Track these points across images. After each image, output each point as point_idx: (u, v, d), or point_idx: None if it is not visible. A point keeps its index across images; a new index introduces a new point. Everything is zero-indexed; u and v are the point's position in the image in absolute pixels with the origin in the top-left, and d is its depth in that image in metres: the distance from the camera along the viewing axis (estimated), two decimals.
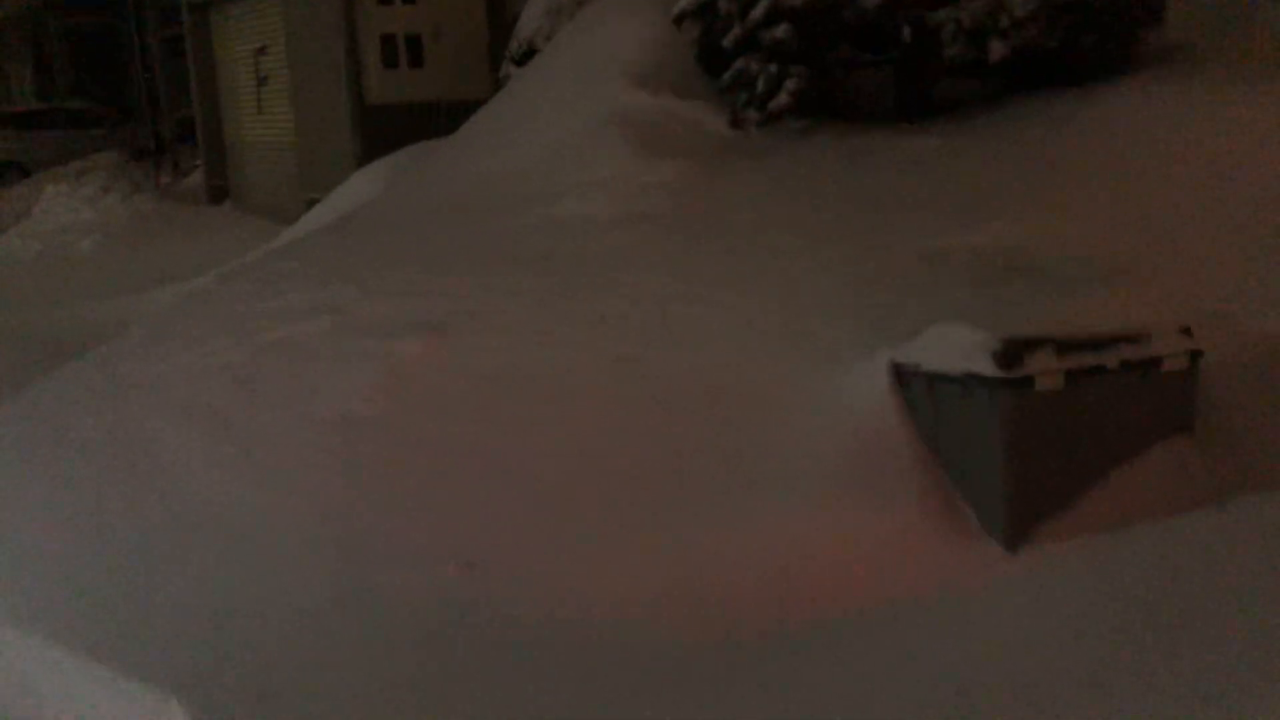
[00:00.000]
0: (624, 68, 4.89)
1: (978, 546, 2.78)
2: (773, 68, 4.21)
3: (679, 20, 4.72)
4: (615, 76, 4.89)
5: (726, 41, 4.40)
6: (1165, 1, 4.39)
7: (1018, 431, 2.73)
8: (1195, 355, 2.95)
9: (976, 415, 2.78)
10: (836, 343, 3.27)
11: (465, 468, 3.08)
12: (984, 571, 2.70)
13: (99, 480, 3.27)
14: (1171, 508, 2.81)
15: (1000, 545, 2.76)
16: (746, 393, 3.19)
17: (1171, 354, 2.92)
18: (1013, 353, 2.70)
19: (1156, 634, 2.27)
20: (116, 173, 13.78)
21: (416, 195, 5.06)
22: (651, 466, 3.05)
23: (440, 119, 8.06)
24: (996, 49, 4.02)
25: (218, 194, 13.32)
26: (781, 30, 4.12)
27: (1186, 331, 2.96)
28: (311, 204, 8.29)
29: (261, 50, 11.22)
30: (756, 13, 4.17)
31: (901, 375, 2.98)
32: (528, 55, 6.97)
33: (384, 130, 8.35)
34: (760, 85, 4.26)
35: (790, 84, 4.13)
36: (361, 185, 6.28)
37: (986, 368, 2.72)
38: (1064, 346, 2.77)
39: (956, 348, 2.84)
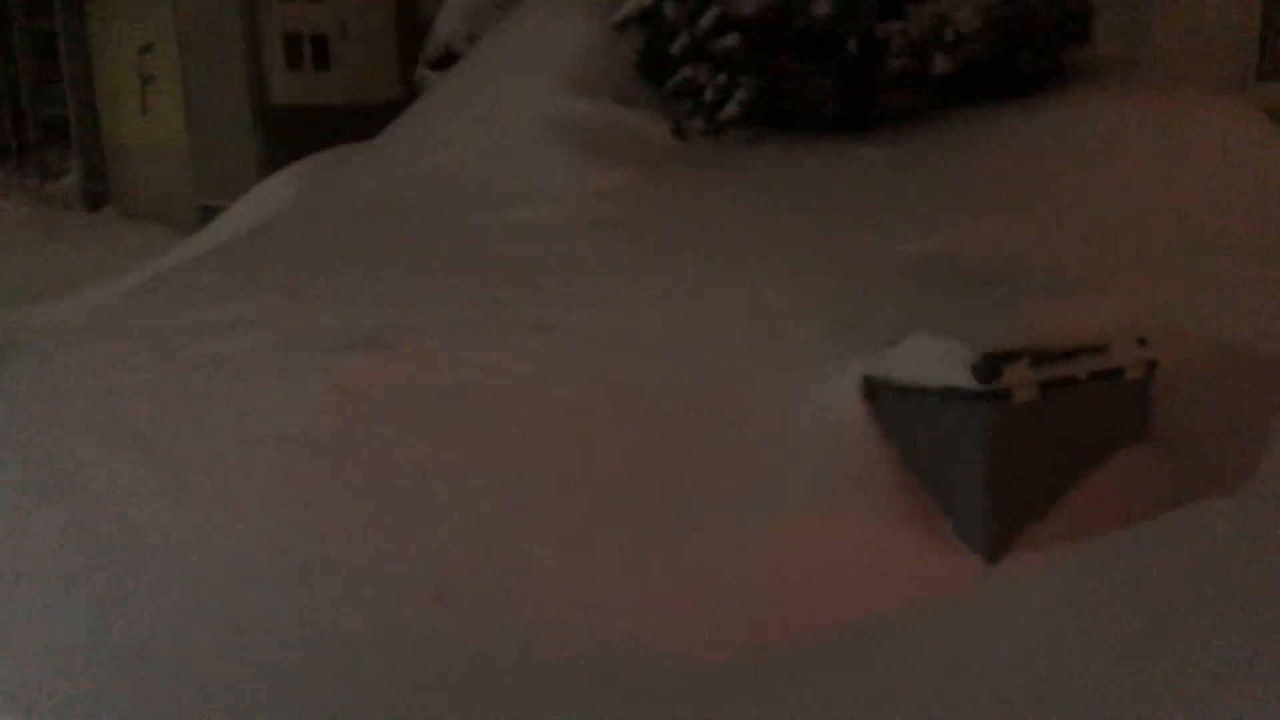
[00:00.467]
0: (560, 73, 4.76)
1: (958, 557, 2.77)
2: (722, 77, 4.16)
3: (621, 26, 4.63)
4: (550, 81, 4.76)
5: (674, 49, 4.33)
6: (1092, 20, 4.54)
7: (996, 444, 2.73)
8: (1152, 365, 3.02)
9: (954, 428, 2.78)
10: (805, 350, 3.23)
11: (425, 490, 2.90)
12: (966, 582, 2.70)
13: (9, 514, 2.95)
14: (1138, 512, 2.86)
15: (980, 555, 2.76)
16: (717, 402, 3.12)
17: (1131, 364, 2.99)
18: (991, 366, 2.70)
19: (1146, 639, 2.29)
20: None
21: (344, 200, 4.81)
22: (624, 481, 2.94)
23: (349, 122, 7.78)
24: (941, 62, 4.07)
25: (95, 199, 12.57)
26: (731, 39, 4.08)
27: (1142, 341, 3.04)
28: (207, 210, 7.88)
29: (147, 48, 10.63)
30: (705, 21, 4.11)
31: (873, 388, 2.96)
32: (446, 59, 6.78)
33: (289, 134, 7.99)
34: (709, 95, 4.21)
35: (740, 94, 4.09)
36: (276, 190, 5.96)
37: (965, 381, 2.72)
38: (1038, 358, 2.80)
39: (930, 360, 2.83)
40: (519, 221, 3.95)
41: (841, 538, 2.81)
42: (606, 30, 4.86)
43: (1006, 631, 2.46)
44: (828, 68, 4.20)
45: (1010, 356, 2.75)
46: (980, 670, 2.33)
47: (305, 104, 8.40)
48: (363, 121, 7.31)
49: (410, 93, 7.75)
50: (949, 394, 2.74)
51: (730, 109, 4.13)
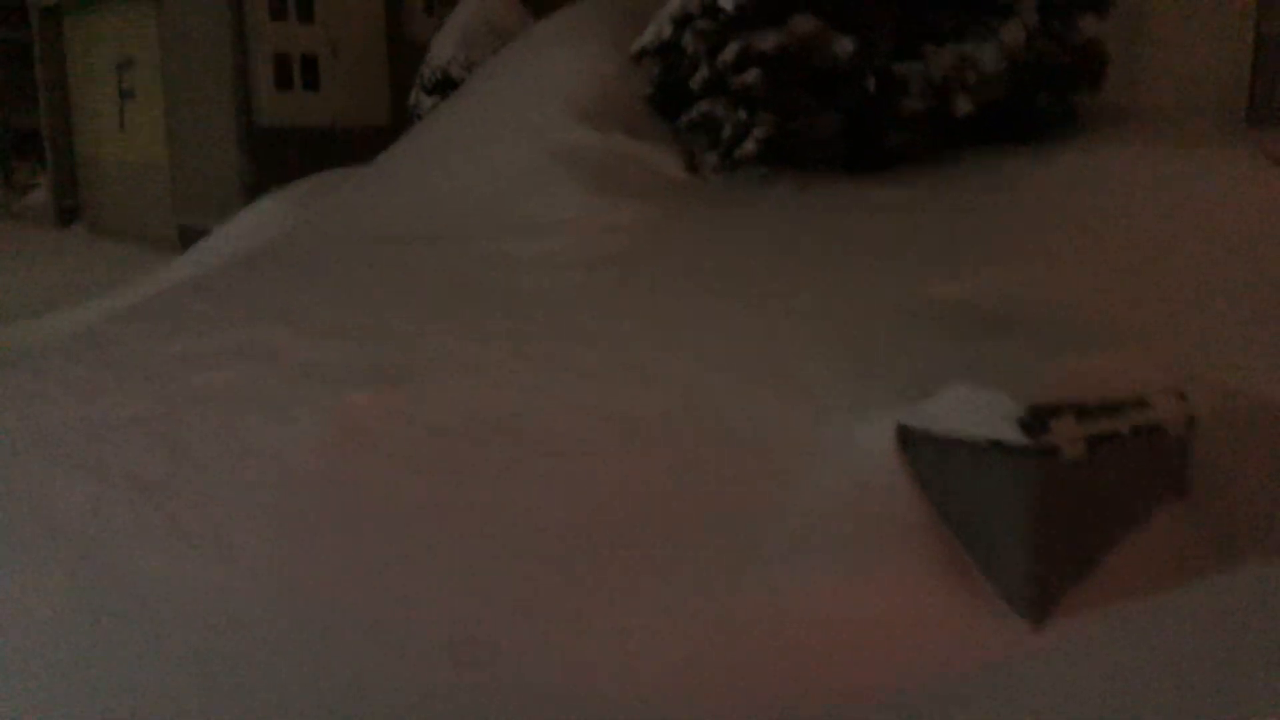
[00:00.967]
0: (568, 103, 4.65)
1: (1001, 620, 2.65)
2: (742, 113, 4.07)
3: (638, 57, 4.53)
4: (558, 111, 4.65)
5: (693, 83, 4.23)
6: (1106, 67, 4.53)
7: (1044, 501, 2.63)
8: (1191, 420, 2.94)
9: (998, 484, 2.67)
10: (827, 394, 3.11)
11: (440, 532, 2.74)
12: (1012, 646, 2.58)
13: None
14: (1180, 571, 2.78)
15: (1024, 618, 2.64)
16: (740, 446, 2.99)
17: (1172, 419, 2.90)
18: (1039, 420, 2.60)
19: (1200, 700, 2.19)
20: None
21: (342, 226, 4.65)
22: (647, 528, 2.79)
23: (338, 144, 7.63)
24: (962, 104, 4.02)
25: (67, 215, 12.26)
26: (752, 75, 3.99)
27: (1181, 395, 2.96)
28: (185, 229, 7.65)
29: (127, 62, 10.40)
30: (727, 55, 4.03)
31: (909, 438, 2.85)
32: (443, 84, 6.66)
33: (276, 154, 7.81)
34: (727, 130, 4.12)
35: (758, 131, 4.00)
36: (269, 214, 5.78)
37: (1011, 434, 2.62)
38: (1083, 412, 2.70)
39: (972, 412, 2.73)
40: (527, 254, 3.82)
41: (881, 599, 2.68)
42: (616, 61, 4.76)
43: (1051, 707, 2.35)
44: (839, 105, 4.13)
45: (1056, 410, 2.65)
46: None
47: (291, 125, 8.21)
48: (350, 144, 7.17)
49: (402, 117, 7.63)
50: (994, 448, 2.64)
51: (748, 146, 4.04)
